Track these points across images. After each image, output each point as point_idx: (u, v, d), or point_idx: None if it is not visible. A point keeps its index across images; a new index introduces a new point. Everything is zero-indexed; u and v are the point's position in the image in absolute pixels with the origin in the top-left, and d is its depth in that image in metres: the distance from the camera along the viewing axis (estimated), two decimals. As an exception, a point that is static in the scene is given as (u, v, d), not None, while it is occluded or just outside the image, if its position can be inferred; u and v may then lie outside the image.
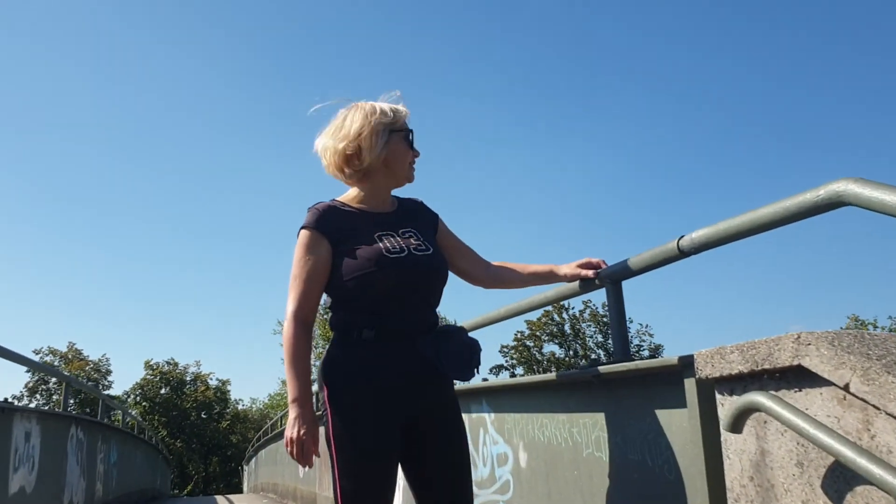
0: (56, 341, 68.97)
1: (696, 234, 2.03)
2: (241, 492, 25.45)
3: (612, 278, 2.47)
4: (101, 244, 70.88)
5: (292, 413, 2.07)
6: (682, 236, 2.09)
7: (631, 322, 40.15)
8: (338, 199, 2.33)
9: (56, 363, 45.26)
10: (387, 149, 2.25)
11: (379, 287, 2.14)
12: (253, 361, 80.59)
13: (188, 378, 46.79)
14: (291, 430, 2.07)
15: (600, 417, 2.43)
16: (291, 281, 2.19)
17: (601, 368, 2.34)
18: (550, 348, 41.60)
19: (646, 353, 40.18)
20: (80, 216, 69.32)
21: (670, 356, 1.98)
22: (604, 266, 2.45)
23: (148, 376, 46.00)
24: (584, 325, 40.88)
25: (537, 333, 40.93)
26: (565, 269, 2.49)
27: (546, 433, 2.87)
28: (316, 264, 2.18)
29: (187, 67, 66.95)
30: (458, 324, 2.97)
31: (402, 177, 2.33)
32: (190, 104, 69.75)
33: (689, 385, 1.92)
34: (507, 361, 41.81)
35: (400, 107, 2.33)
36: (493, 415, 3.41)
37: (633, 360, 2.34)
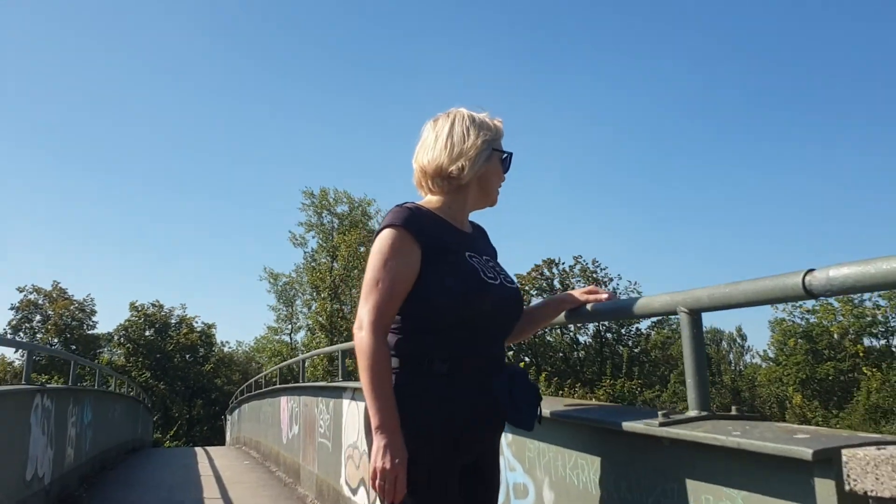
0: (41, 280, 68.31)
1: (837, 273, 1.46)
2: (223, 440, 25.20)
3: (691, 306, 1.91)
4: (91, 185, 69.75)
5: (379, 441, 1.83)
6: (812, 271, 1.52)
7: (619, 279, 39.97)
8: (422, 203, 2.14)
9: (40, 301, 44.69)
10: (485, 166, 2.12)
11: (470, 313, 1.96)
12: (239, 305, 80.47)
13: (173, 321, 46.38)
14: (381, 460, 1.82)
15: (663, 480, 1.90)
16: (370, 284, 1.94)
17: (676, 430, 1.79)
18: (539, 303, 41.24)
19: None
20: (71, 156, 67.94)
21: (794, 445, 1.41)
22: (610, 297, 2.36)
23: (132, 318, 45.54)
24: (573, 280, 40.54)
25: (525, 287, 40.56)
26: (576, 294, 2.41)
27: (582, 478, 2.34)
28: (405, 271, 1.95)
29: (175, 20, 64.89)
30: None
31: (492, 199, 2.21)
32: (183, 53, 67.82)
33: (824, 491, 1.37)
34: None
35: (499, 122, 2.19)
36: (509, 435, 2.89)
37: (715, 414, 1.80)
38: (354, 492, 5.31)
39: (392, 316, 1.94)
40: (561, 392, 26.91)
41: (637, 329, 40.65)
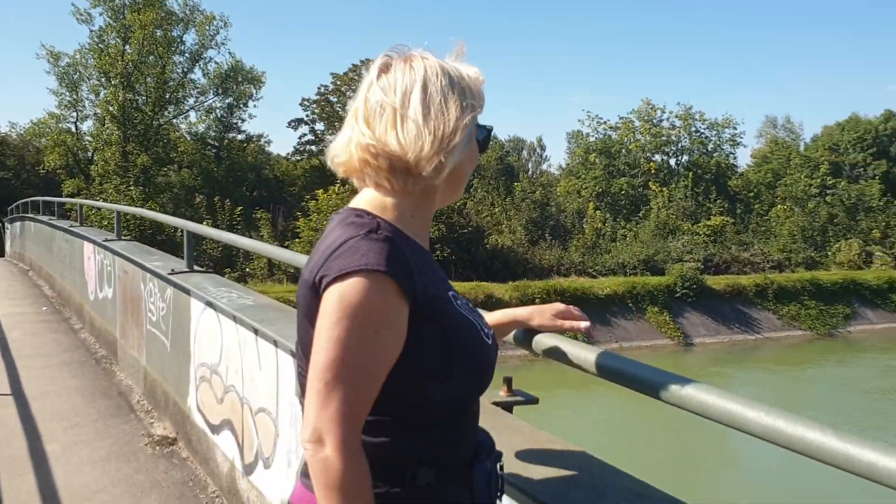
0: None
1: None
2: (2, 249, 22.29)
3: None
4: None
5: None
6: None
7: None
8: (374, 210, 1.39)
9: None
10: (464, 154, 1.40)
11: (472, 397, 1.45)
12: (14, 83, 70.86)
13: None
14: None
15: None
16: (335, 372, 1.22)
17: None
18: (355, 106, 39.48)
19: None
20: None
21: None
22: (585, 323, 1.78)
23: None
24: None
25: (342, 89, 38.51)
26: (536, 317, 1.81)
27: None
28: (394, 349, 1.27)
29: None
30: None
31: (460, 193, 1.54)
32: None
33: None
34: (307, 116, 39.40)
35: (478, 76, 1.46)
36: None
37: None
38: (215, 430, 4.24)
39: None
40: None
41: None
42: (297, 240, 25.98)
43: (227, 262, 23.85)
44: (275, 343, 3.39)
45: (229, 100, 38.76)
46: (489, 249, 27.51)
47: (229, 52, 42.90)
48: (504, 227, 30.23)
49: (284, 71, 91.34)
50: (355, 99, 1.43)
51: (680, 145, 42.00)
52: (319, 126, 39.73)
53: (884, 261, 33.35)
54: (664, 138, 41.22)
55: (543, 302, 24.71)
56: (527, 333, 1.81)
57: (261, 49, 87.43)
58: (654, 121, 41.62)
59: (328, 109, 38.74)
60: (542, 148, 76.62)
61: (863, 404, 18.40)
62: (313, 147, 40.45)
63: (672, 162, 42.56)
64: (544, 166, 71.82)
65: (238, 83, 38.01)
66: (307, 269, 1.34)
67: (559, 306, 1.80)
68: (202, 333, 4.46)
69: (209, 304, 4.29)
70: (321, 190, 27.18)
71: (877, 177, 45.41)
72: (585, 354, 1.66)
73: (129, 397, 6.14)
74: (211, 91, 38.37)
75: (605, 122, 42.71)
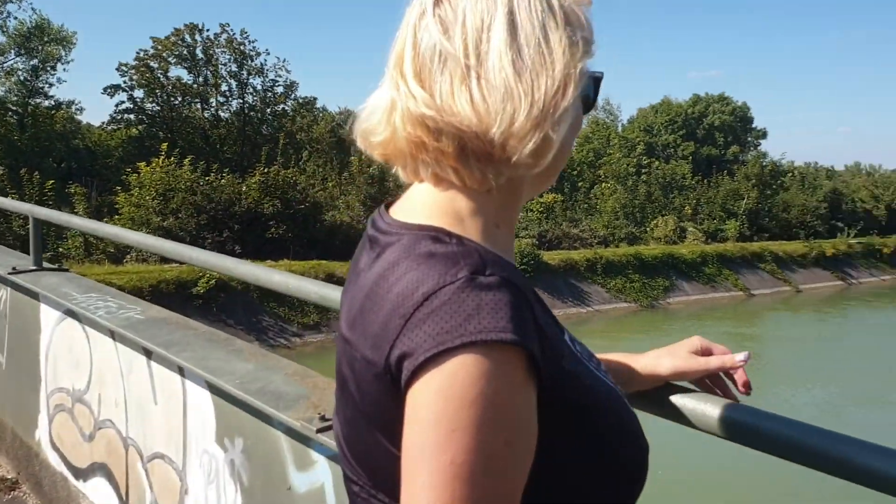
0: None
1: None
2: None
3: None
4: None
5: None
6: None
7: (268, 54, 37.23)
8: (458, 231, 0.88)
9: None
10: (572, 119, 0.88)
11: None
12: None
13: None
14: None
15: None
16: (466, 485, 0.74)
17: None
18: (177, 72, 36.84)
19: (280, 89, 38.07)
20: None
21: None
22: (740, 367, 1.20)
23: None
24: (218, 50, 36.59)
25: (163, 55, 35.65)
26: (666, 360, 1.21)
27: None
28: (528, 464, 0.79)
29: None
30: None
31: (551, 183, 1.00)
32: None
33: None
34: (125, 83, 36.13)
35: None
36: None
37: None
38: (81, 475, 3.32)
39: None
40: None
41: (283, 109, 38.83)
42: (116, 216, 23.68)
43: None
44: (180, 371, 2.62)
45: (34, 61, 34.87)
46: (327, 226, 26.61)
47: (32, 8, 38.60)
48: (341, 203, 29.39)
49: (100, 32, 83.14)
50: (397, 38, 0.91)
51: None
52: (139, 93, 36.54)
53: (695, 235, 35.96)
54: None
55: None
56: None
57: (72, 6, 78.54)
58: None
59: (148, 76, 35.65)
60: (373, 122, 75.97)
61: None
62: (132, 116, 37.23)
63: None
64: (377, 140, 71.12)
65: (44, 43, 34.30)
66: (358, 332, 0.86)
67: (698, 342, 1.22)
68: (59, 351, 3.50)
69: (70, 314, 3.36)
70: (143, 163, 24.91)
71: (686, 157, 49.06)
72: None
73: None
74: (12, 51, 34.36)
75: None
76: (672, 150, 51.60)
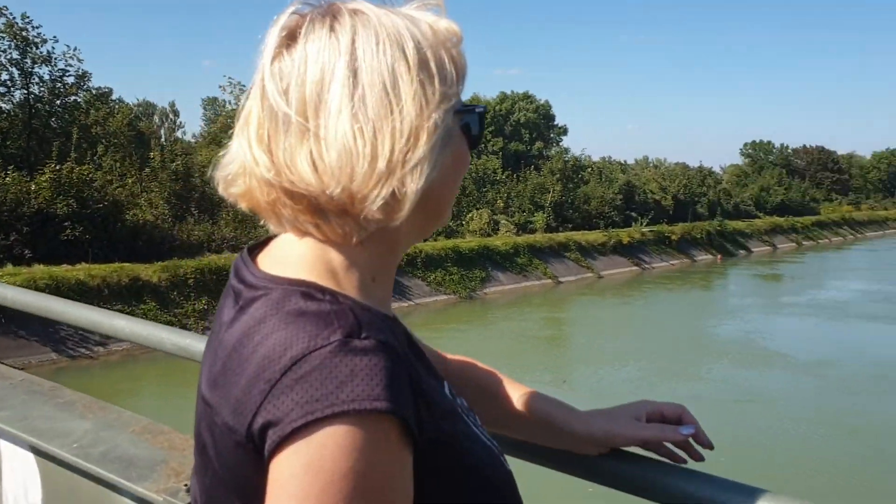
0: None
1: None
2: None
3: None
4: None
5: None
6: None
7: (56, 41, 34.00)
8: (330, 285, 0.84)
9: None
10: (444, 157, 0.86)
11: None
12: None
13: None
14: None
15: None
16: None
17: None
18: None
19: (71, 80, 34.92)
20: None
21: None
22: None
23: None
24: (-5, 34, 32.81)
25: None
26: (601, 423, 1.11)
27: None
28: None
29: None
30: None
31: (442, 222, 0.96)
32: None
33: None
34: None
35: (452, 30, 0.90)
36: None
37: None
38: None
39: None
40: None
41: (75, 100, 35.59)
42: None
43: None
44: (-6, 434, 2.21)
45: None
46: (129, 226, 24.92)
47: None
48: (143, 201, 27.56)
49: None
50: (247, 92, 0.90)
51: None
52: None
53: (508, 228, 37.48)
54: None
55: (198, 284, 23.07)
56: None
57: None
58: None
59: None
60: (176, 114, 72.11)
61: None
62: None
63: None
64: (178, 133, 67.51)
65: None
66: (220, 395, 0.81)
67: (643, 408, 1.12)
68: None
69: None
70: None
71: (496, 153, 51.01)
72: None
73: None
74: None
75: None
76: (483, 145, 53.45)
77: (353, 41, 0.82)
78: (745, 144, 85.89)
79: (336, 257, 0.86)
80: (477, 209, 38.28)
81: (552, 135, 61.73)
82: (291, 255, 0.88)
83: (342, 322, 0.76)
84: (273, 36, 0.85)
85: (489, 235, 35.73)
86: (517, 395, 1.16)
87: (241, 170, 0.87)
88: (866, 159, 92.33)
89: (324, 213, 0.84)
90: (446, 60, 0.87)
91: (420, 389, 0.80)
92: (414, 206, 0.82)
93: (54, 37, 34.59)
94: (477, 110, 0.92)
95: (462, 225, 36.75)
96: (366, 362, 0.73)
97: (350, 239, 0.85)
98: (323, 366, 0.72)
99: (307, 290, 0.81)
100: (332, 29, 0.83)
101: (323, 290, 0.82)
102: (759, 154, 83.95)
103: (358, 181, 0.79)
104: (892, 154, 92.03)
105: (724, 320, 25.01)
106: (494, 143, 53.47)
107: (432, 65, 0.84)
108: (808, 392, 16.17)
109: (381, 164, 0.79)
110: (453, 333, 23.63)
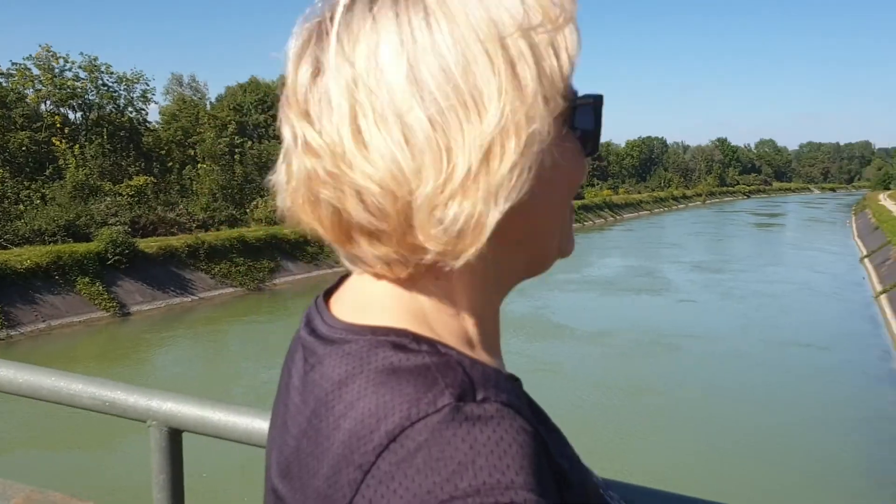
0: None
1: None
2: None
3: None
4: None
5: None
6: None
7: None
8: (451, 343, 0.64)
9: None
10: (543, 173, 0.61)
11: None
12: None
13: None
14: None
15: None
16: None
17: None
18: None
19: None
20: None
21: None
22: None
23: None
24: None
25: None
26: None
27: None
28: None
29: None
30: None
31: (552, 258, 0.71)
32: None
33: None
34: None
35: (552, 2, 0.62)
36: None
37: None
38: None
39: None
40: None
41: None
42: None
43: None
44: None
45: None
46: None
47: None
48: None
49: None
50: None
51: (87, 98, 38.44)
52: None
53: (295, 215, 36.47)
54: (69, 90, 37.12)
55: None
56: None
57: None
58: (57, 70, 37.12)
59: None
60: None
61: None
62: None
63: (78, 116, 38.79)
64: None
65: None
66: (295, 486, 0.63)
67: None
68: None
69: None
70: None
71: (278, 137, 49.45)
72: None
73: None
74: None
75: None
76: (263, 129, 51.59)
77: (423, 28, 0.60)
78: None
79: (424, 297, 0.66)
80: (262, 196, 36.84)
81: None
82: (369, 297, 0.68)
83: (449, 380, 0.57)
84: (339, 9, 0.63)
85: (276, 224, 34.51)
86: None
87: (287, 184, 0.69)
88: (621, 147, 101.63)
89: (372, 235, 0.64)
90: (544, 46, 0.61)
91: (558, 466, 0.60)
92: (495, 231, 0.60)
93: None
94: (587, 101, 0.66)
95: (246, 213, 35.20)
96: (488, 435, 0.54)
97: (432, 274, 0.65)
98: (432, 442, 0.54)
99: (398, 341, 0.62)
100: (397, 15, 0.61)
101: (418, 338, 0.62)
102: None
103: (419, 201, 0.59)
104: (643, 142, 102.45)
105: (516, 298, 26.14)
106: (276, 128, 51.91)
107: (527, 54, 0.60)
108: (594, 359, 17.41)
109: (454, 181, 0.58)
110: (241, 327, 22.51)
